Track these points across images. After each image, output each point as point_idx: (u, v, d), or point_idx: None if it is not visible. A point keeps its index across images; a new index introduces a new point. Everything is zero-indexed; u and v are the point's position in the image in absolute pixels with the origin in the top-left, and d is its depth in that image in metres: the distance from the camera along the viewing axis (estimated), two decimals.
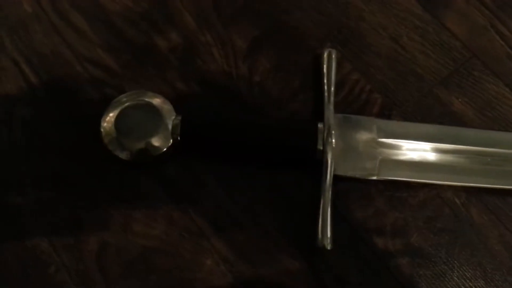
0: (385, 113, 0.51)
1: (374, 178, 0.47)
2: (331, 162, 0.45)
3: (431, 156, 0.48)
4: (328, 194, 0.45)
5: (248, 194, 0.47)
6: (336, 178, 0.46)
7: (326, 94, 0.49)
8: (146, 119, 0.46)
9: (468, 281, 0.45)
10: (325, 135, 0.46)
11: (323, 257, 0.45)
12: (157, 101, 0.48)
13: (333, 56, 0.51)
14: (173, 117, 0.47)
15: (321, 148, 0.46)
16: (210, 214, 0.46)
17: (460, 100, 0.52)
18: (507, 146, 0.48)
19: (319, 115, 0.49)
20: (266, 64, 0.53)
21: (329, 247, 0.43)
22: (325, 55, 0.51)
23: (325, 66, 0.51)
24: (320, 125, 0.47)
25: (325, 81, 0.50)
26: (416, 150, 0.48)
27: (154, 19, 0.55)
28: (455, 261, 0.46)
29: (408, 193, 0.48)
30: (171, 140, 0.46)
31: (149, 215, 0.46)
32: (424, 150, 0.48)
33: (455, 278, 0.45)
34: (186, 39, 0.54)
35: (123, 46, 0.54)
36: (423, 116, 0.51)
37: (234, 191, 0.47)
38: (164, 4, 0.56)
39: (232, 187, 0.47)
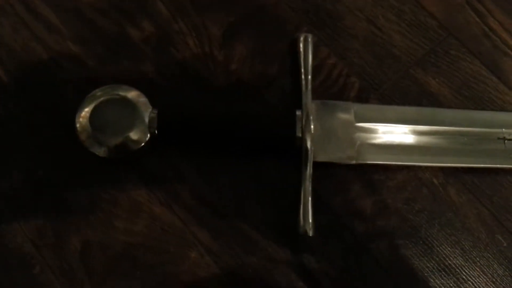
0: (363, 97, 0.51)
1: (353, 162, 0.47)
2: (310, 149, 0.46)
3: (409, 138, 0.48)
4: (308, 181, 0.45)
5: (229, 185, 0.47)
6: (316, 164, 0.46)
7: (303, 80, 0.49)
8: (121, 114, 0.46)
9: (447, 259, 0.46)
10: (303, 122, 0.46)
11: (306, 244, 0.46)
12: (132, 94, 0.47)
13: (309, 40, 0.51)
14: (150, 111, 0.46)
15: (300, 135, 0.46)
16: (192, 207, 0.47)
17: (436, 80, 0.52)
18: (482, 125, 0.49)
19: (298, 102, 0.48)
20: (243, 51, 0.52)
21: (311, 234, 0.44)
22: (301, 40, 0.51)
23: (301, 51, 0.50)
24: (298, 112, 0.47)
25: (302, 67, 0.50)
26: (394, 133, 0.48)
27: (126, 8, 0.53)
28: (434, 241, 0.47)
29: (386, 175, 0.48)
30: (149, 134, 0.45)
31: (130, 210, 0.46)
32: (402, 133, 0.48)
33: (434, 257, 0.46)
34: (159, 28, 0.53)
35: (94, 38, 0.52)
36: (400, 98, 0.51)
37: (216, 182, 0.47)
38: None
39: (214, 178, 0.47)
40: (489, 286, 0.46)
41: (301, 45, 0.51)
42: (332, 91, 0.51)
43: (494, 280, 0.46)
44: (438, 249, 0.47)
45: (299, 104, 0.48)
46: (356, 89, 0.51)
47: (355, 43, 0.53)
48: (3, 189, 0.47)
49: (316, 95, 0.49)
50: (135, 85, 0.49)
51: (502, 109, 0.52)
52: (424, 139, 0.48)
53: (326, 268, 0.46)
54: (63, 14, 0.53)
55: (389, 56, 0.53)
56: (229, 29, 0.53)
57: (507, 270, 0.46)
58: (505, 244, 0.47)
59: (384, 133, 0.48)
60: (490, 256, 0.47)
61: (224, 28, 0.53)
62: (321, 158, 0.47)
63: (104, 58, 0.52)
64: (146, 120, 0.46)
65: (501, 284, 0.46)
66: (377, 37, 0.53)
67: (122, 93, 0.47)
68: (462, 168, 0.49)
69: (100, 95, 0.47)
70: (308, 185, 0.45)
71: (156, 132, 0.45)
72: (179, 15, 0.53)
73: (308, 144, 0.45)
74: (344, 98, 0.51)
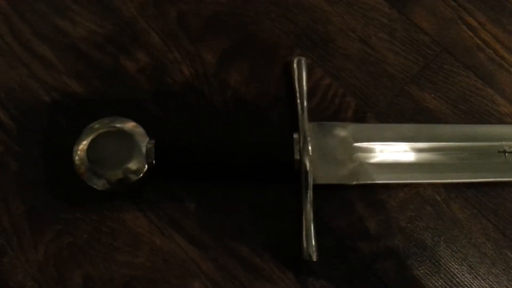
0: (359, 116, 0.51)
1: (354, 183, 0.47)
2: (310, 172, 0.45)
3: (408, 156, 0.48)
4: (309, 204, 0.45)
5: (230, 213, 0.47)
6: (316, 187, 0.46)
7: (299, 103, 0.49)
8: (118, 146, 0.46)
9: (455, 277, 0.46)
10: (301, 145, 0.46)
11: (311, 268, 0.45)
12: (129, 125, 0.48)
13: (303, 63, 0.51)
14: (147, 141, 0.46)
15: (298, 158, 0.46)
16: (194, 236, 0.46)
17: (432, 95, 0.52)
18: (482, 139, 0.49)
19: (295, 125, 0.48)
20: (238, 77, 0.53)
21: (315, 259, 0.43)
22: (295, 63, 0.51)
23: (295, 74, 0.51)
24: (295, 135, 0.47)
25: (297, 90, 0.50)
26: (393, 151, 0.48)
27: (120, 40, 0.54)
28: (441, 259, 0.46)
29: (388, 194, 0.48)
30: (147, 165, 0.45)
31: (131, 243, 0.46)
32: (401, 151, 0.48)
33: (442, 275, 0.46)
34: (154, 59, 0.53)
35: (90, 71, 0.53)
36: (397, 115, 0.51)
37: (216, 211, 0.47)
38: (129, 24, 0.55)
39: (214, 207, 0.47)
40: None
41: (295, 68, 0.51)
42: (328, 112, 0.51)
43: None
44: (445, 267, 0.46)
45: (296, 127, 0.48)
46: (352, 109, 0.51)
47: (349, 63, 0.53)
48: (3, 223, 0.47)
49: (312, 117, 0.49)
50: (132, 116, 0.49)
51: (500, 121, 0.52)
52: (424, 156, 0.48)
53: None
54: (59, 50, 0.53)
55: (383, 74, 0.53)
56: (223, 56, 0.53)
57: None
58: None
59: (382, 152, 0.48)
60: (499, 272, 0.46)
61: (218, 55, 0.53)
62: (321, 180, 0.46)
63: (100, 91, 0.52)
64: (144, 151, 0.46)
65: None
66: (370, 56, 0.54)
67: (118, 125, 0.47)
68: (464, 183, 0.48)
69: (97, 127, 0.47)
70: (309, 209, 0.45)
71: (154, 162, 0.45)
72: (173, 44, 0.54)
73: (307, 167, 0.45)
74: (341, 118, 0.51)
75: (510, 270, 0.46)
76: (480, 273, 0.46)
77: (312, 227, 0.44)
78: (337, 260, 0.46)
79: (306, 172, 0.45)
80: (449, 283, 0.45)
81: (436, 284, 0.45)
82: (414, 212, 0.47)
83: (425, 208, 0.48)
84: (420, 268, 0.46)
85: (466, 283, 0.45)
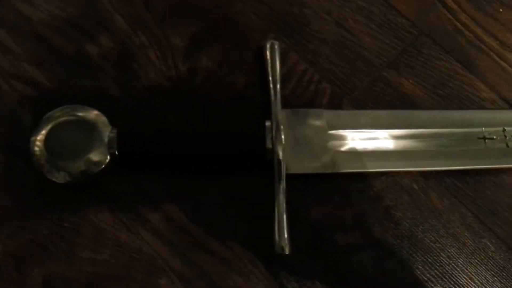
0: (336, 103, 0.49)
1: (329, 172, 0.45)
2: (283, 161, 0.43)
3: (385, 144, 0.46)
4: (282, 195, 0.43)
5: (200, 204, 0.45)
6: (290, 176, 0.44)
7: (272, 89, 0.47)
8: (79, 136, 0.43)
9: (433, 268, 0.44)
10: (273, 133, 0.44)
11: (285, 262, 0.43)
12: (91, 114, 0.45)
13: (276, 47, 0.49)
14: (109, 131, 0.43)
15: (271, 147, 0.43)
16: (162, 231, 0.44)
17: (410, 81, 0.50)
18: (461, 125, 0.47)
19: (268, 113, 0.46)
20: (208, 62, 0.50)
21: (287, 252, 0.41)
22: (268, 47, 0.49)
23: (268, 60, 0.48)
24: (267, 123, 0.44)
25: (270, 75, 0.48)
26: (369, 138, 0.46)
27: (83, 24, 0.51)
28: (419, 249, 0.45)
29: (364, 184, 0.46)
30: (109, 156, 0.43)
31: (95, 239, 0.43)
32: (378, 138, 0.46)
33: (419, 266, 0.44)
34: (119, 43, 0.50)
35: (51, 58, 0.50)
36: (374, 101, 0.49)
37: (185, 203, 0.45)
38: (93, 7, 0.51)
39: (182, 199, 0.45)
40: None
41: (267, 53, 0.49)
42: (303, 98, 0.49)
43: (482, 287, 0.44)
44: (422, 258, 0.44)
45: (269, 115, 0.45)
46: (328, 95, 0.49)
47: (325, 47, 0.51)
48: None
49: (287, 104, 0.47)
50: (95, 104, 0.46)
51: (480, 106, 0.50)
52: (401, 143, 0.46)
53: (308, 286, 0.43)
54: (19, 35, 0.50)
55: (360, 59, 0.51)
56: (193, 40, 0.51)
57: (496, 275, 0.44)
58: (492, 249, 0.45)
59: (359, 139, 0.46)
60: (478, 262, 0.44)
61: (187, 39, 0.51)
62: (295, 170, 0.44)
63: (62, 78, 0.49)
64: (106, 141, 0.43)
65: None
66: (347, 40, 0.51)
67: (80, 114, 0.45)
68: (443, 171, 0.47)
69: (57, 116, 0.44)
70: (282, 200, 0.42)
71: (116, 153, 0.43)
72: (139, 28, 0.51)
73: (280, 156, 0.43)
74: (316, 105, 0.49)
75: (489, 260, 0.44)
76: (459, 263, 0.44)
77: (284, 219, 0.42)
78: (312, 253, 0.44)
79: (279, 162, 0.43)
80: (427, 274, 0.44)
81: (414, 274, 0.44)
82: (392, 202, 0.46)
83: (403, 197, 0.46)
84: (398, 259, 0.44)
85: (444, 274, 0.44)
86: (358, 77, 0.50)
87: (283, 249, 0.41)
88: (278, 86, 0.47)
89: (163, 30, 0.51)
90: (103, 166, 0.43)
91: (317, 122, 0.46)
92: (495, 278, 0.44)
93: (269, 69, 0.48)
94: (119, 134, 0.43)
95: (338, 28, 0.52)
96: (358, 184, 0.46)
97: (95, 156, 0.43)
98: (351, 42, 0.51)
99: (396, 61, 0.51)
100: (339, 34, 0.52)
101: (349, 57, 0.51)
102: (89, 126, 0.44)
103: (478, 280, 0.44)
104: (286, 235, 0.42)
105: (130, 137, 0.43)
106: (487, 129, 0.47)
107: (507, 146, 0.47)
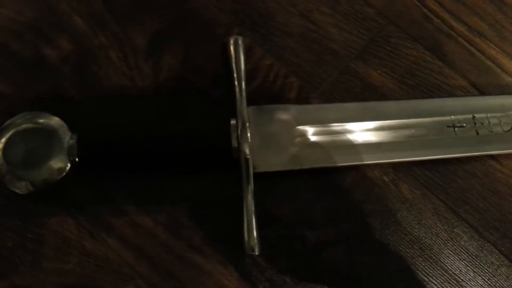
0: (303, 97, 0.48)
1: (297, 168, 0.44)
2: (249, 161, 0.42)
3: (354, 137, 0.45)
4: (250, 195, 0.42)
5: (165, 207, 0.44)
6: (258, 175, 0.43)
7: (237, 86, 0.46)
8: (38, 144, 0.42)
9: (405, 260, 0.44)
10: (239, 131, 0.43)
11: (255, 262, 0.43)
12: (50, 121, 0.43)
13: (240, 43, 0.47)
14: (69, 137, 0.42)
15: (237, 146, 0.43)
16: (128, 237, 0.43)
17: (379, 71, 0.49)
18: (430, 114, 0.46)
19: (234, 110, 0.45)
20: (172, 60, 0.49)
21: (257, 252, 0.41)
22: (232, 43, 0.47)
23: (232, 55, 0.47)
24: (232, 121, 0.43)
25: (235, 71, 0.46)
26: (338, 132, 0.45)
27: (40, 27, 0.49)
28: (390, 242, 0.44)
29: (334, 179, 0.45)
30: (69, 164, 0.41)
31: (59, 248, 0.42)
32: (346, 131, 0.45)
33: (392, 259, 0.44)
34: (78, 45, 0.48)
35: (8, 63, 0.48)
36: (342, 94, 0.48)
37: (150, 206, 0.44)
38: (50, 9, 0.50)
39: (147, 203, 0.44)
40: (452, 284, 0.43)
41: (231, 49, 0.47)
42: (270, 94, 0.48)
43: (456, 277, 0.43)
44: (395, 250, 0.44)
45: (234, 113, 0.44)
46: (295, 90, 0.48)
47: (291, 41, 0.50)
48: None
49: (254, 100, 0.46)
50: (55, 110, 0.44)
51: (450, 94, 0.49)
52: (370, 136, 0.45)
53: (279, 284, 0.42)
54: None
55: (327, 51, 0.50)
56: (155, 38, 0.49)
57: (470, 265, 0.44)
58: (465, 238, 0.45)
59: (327, 134, 0.45)
60: (451, 253, 0.44)
61: (149, 37, 0.49)
62: (263, 168, 0.43)
63: (20, 84, 0.47)
64: (65, 147, 0.42)
65: (463, 281, 0.43)
66: (313, 33, 0.50)
67: (39, 120, 0.43)
68: (413, 161, 0.46)
69: (15, 124, 0.43)
70: (250, 200, 0.42)
71: (77, 159, 0.41)
72: (99, 28, 0.49)
73: (247, 155, 0.42)
74: (284, 100, 0.48)
75: (462, 250, 0.44)
76: (432, 254, 0.44)
77: (253, 219, 0.41)
78: (283, 251, 0.43)
79: (246, 160, 0.42)
80: (400, 267, 0.43)
81: (387, 268, 0.43)
82: (362, 196, 0.45)
83: (373, 190, 0.45)
84: (370, 254, 0.44)
85: (417, 266, 0.44)
86: (326, 70, 0.49)
87: (253, 249, 0.41)
88: (243, 83, 0.46)
89: (123, 29, 0.49)
90: (64, 173, 0.42)
91: (284, 118, 0.45)
92: (469, 268, 0.44)
93: (234, 65, 0.47)
94: (79, 141, 0.41)
95: (304, 20, 0.51)
96: (327, 180, 0.45)
97: (55, 164, 0.41)
98: (317, 34, 0.50)
99: (364, 52, 0.50)
100: (305, 26, 0.50)
101: (316, 50, 0.50)
102: (48, 133, 0.42)
103: (451, 271, 0.44)
104: (255, 235, 0.41)
105: (91, 142, 0.42)
106: (457, 117, 0.46)
107: (477, 133, 0.46)
